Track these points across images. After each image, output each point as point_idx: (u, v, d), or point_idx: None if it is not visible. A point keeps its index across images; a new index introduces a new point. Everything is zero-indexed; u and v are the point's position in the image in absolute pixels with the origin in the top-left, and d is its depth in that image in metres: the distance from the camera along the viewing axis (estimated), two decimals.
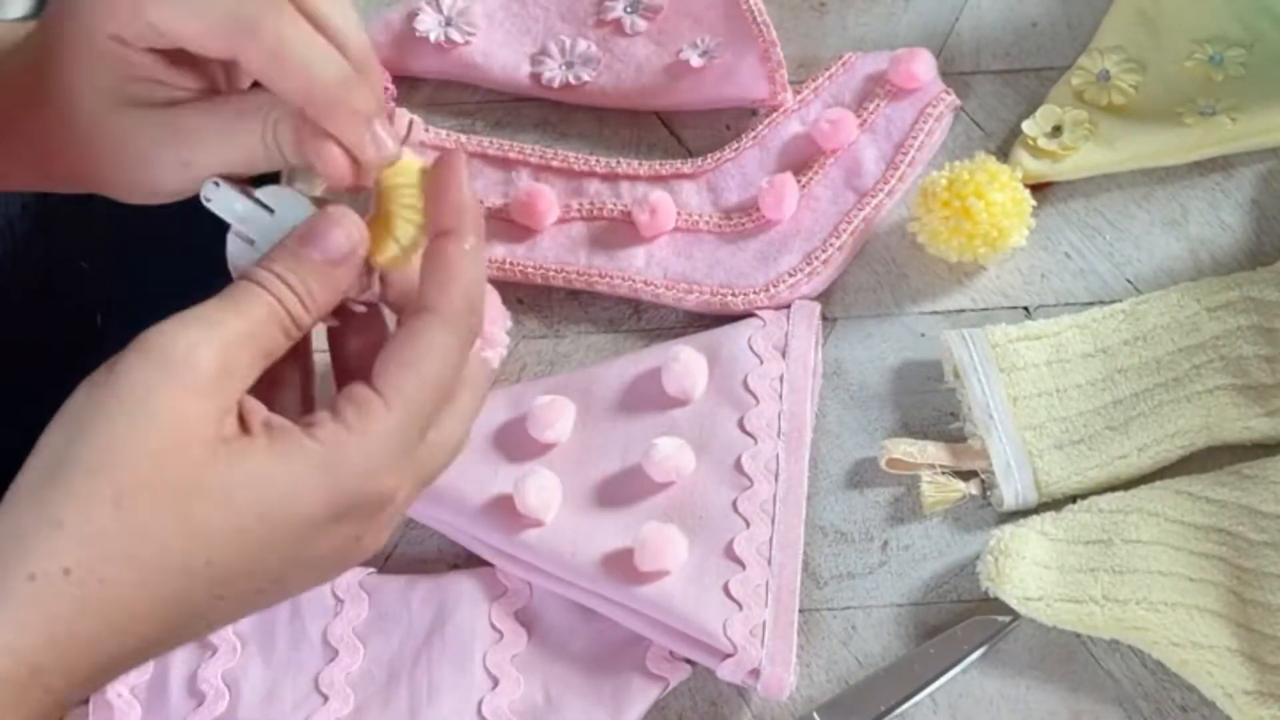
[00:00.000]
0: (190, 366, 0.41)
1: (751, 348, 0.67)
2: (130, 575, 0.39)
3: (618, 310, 0.72)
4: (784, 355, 0.67)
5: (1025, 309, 0.70)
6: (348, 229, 0.45)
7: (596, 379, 0.68)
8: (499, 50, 0.76)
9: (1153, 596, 0.61)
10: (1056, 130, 0.72)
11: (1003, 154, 0.72)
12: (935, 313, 0.70)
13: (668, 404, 0.66)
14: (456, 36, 0.76)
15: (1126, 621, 0.61)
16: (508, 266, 0.71)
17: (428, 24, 0.76)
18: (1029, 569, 0.62)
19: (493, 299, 0.68)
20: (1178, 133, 0.72)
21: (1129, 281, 0.70)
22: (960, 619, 0.63)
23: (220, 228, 0.51)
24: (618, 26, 0.76)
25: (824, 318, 0.70)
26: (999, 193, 0.67)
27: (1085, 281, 0.70)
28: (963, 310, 0.70)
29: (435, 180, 0.46)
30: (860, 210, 0.71)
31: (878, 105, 0.73)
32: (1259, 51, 0.73)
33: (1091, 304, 0.69)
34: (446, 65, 0.77)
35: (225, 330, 0.42)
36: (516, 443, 0.66)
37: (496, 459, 0.65)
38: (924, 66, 0.73)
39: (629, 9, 0.76)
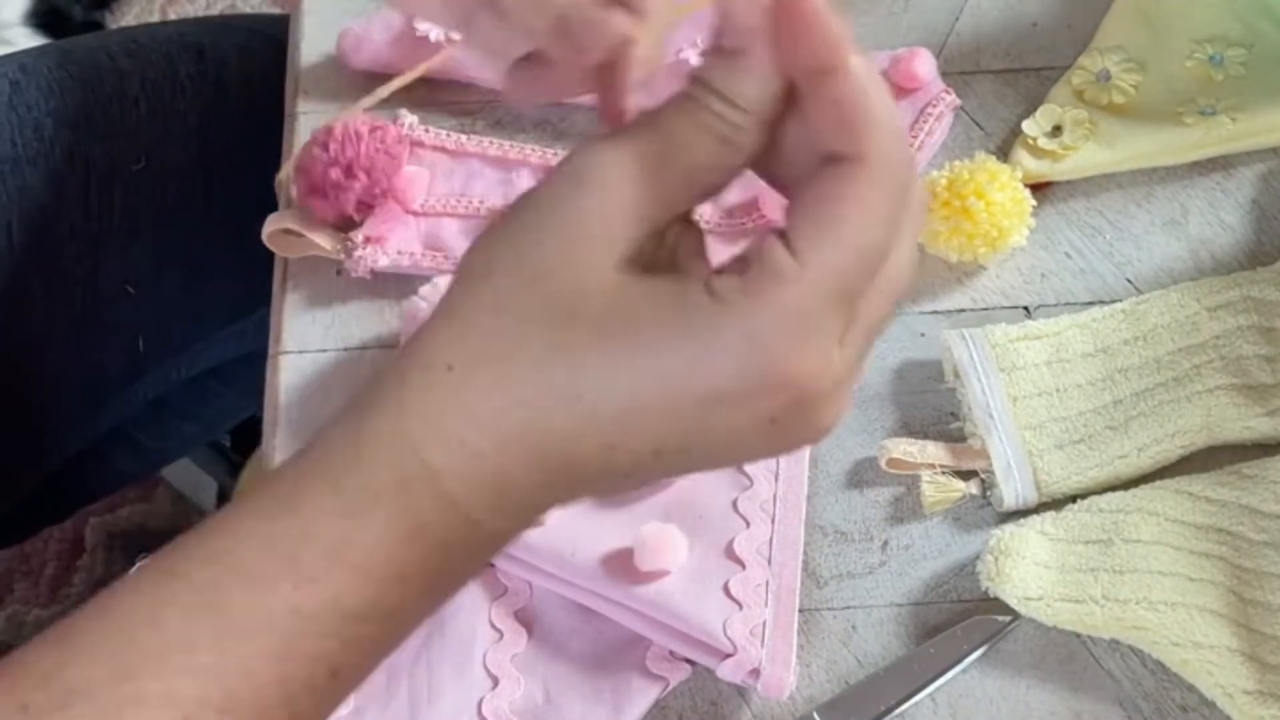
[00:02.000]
0: (601, 184, 0.37)
1: None
2: (502, 388, 0.37)
3: None
4: None
5: (1025, 309, 0.70)
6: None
7: None
8: None
9: (1153, 596, 0.61)
10: (1057, 130, 0.72)
11: (1003, 154, 0.72)
12: (935, 312, 0.70)
13: None
14: (456, 36, 0.76)
15: (1127, 621, 0.61)
16: None
17: (428, 23, 0.76)
18: (1029, 568, 0.62)
19: None
20: (1178, 132, 0.72)
21: (1129, 281, 0.70)
22: (960, 619, 0.63)
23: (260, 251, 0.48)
24: None
25: None
26: (999, 192, 0.67)
27: (1085, 281, 0.70)
28: (963, 310, 0.70)
29: (785, 17, 0.37)
30: None
31: None
32: (1259, 51, 0.73)
33: (1092, 304, 0.69)
34: (446, 65, 0.76)
35: (640, 145, 0.38)
36: None
37: None
38: (924, 66, 0.73)
39: None
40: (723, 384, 0.36)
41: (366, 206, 0.71)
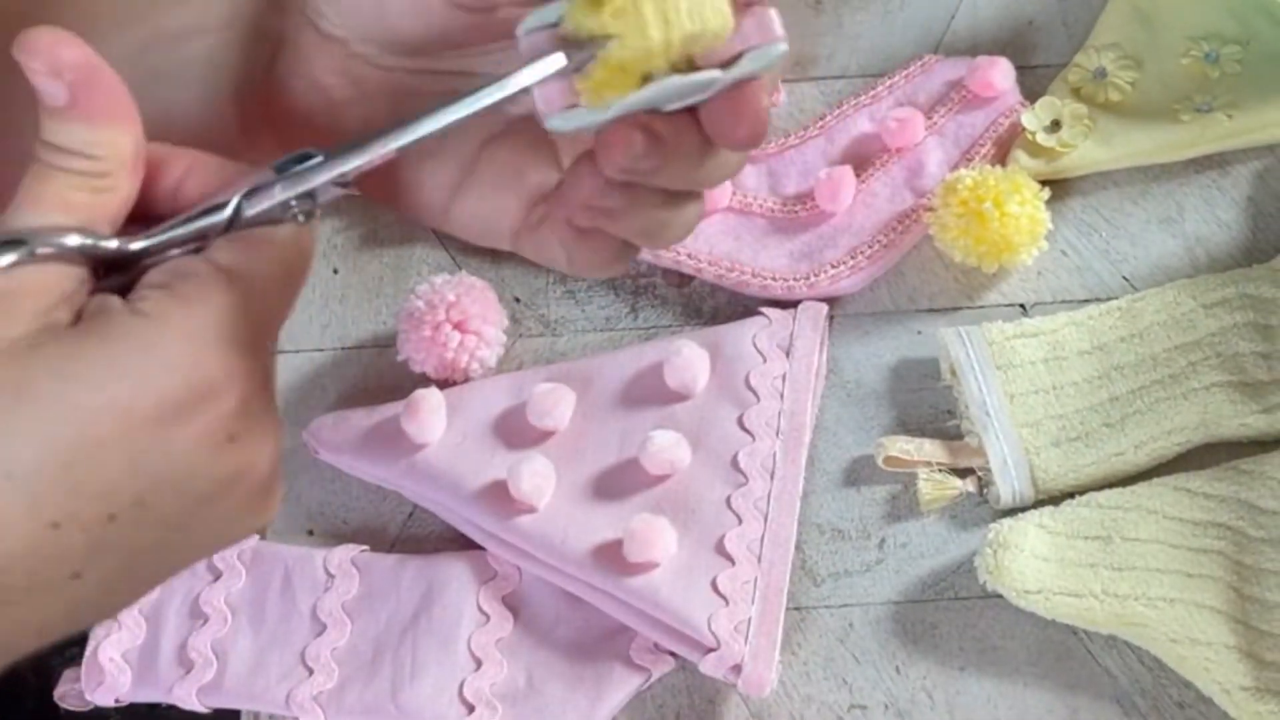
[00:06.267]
0: None
1: (755, 346, 0.67)
2: None
3: (614, 309, 0.72)
4: (788, 355, 0.67)
5: (1022, 306, 0.70)
6: None
7: (598, 369, 0.68)
8: None
9: (1151, 593, 0.61)
10: (1055, 125, 0.71)
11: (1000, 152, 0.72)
12: (932, 310, 0.70)
13: (668, 398, 0.66)
14: None
15: (1125, 617, 0.61)
16: None
17: None
18: (1028, 562, 0.61)
19: (489, 297, 0.68)
20: (1174, 130, 0.71)
21: (1125, 279, 0.70)
22: (959, 617, 0.63)
23: None
24: None
25: None
26: (1017, 206, 0.67)
27: (1082, 279, 0.70)
28: (959, 308, 0.70)
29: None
30: (915, 211, 0.70)
31: (949, 110, 0.73)
32: (1254, 49, 0.73)
33: (1088, 301, 0.69)
34: None
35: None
36: (515, 429, 0.66)
37: (494, 444, 0.65)
38: (1001, 75, 0.72)
39: None
40: (173, 393, 0.34)
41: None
